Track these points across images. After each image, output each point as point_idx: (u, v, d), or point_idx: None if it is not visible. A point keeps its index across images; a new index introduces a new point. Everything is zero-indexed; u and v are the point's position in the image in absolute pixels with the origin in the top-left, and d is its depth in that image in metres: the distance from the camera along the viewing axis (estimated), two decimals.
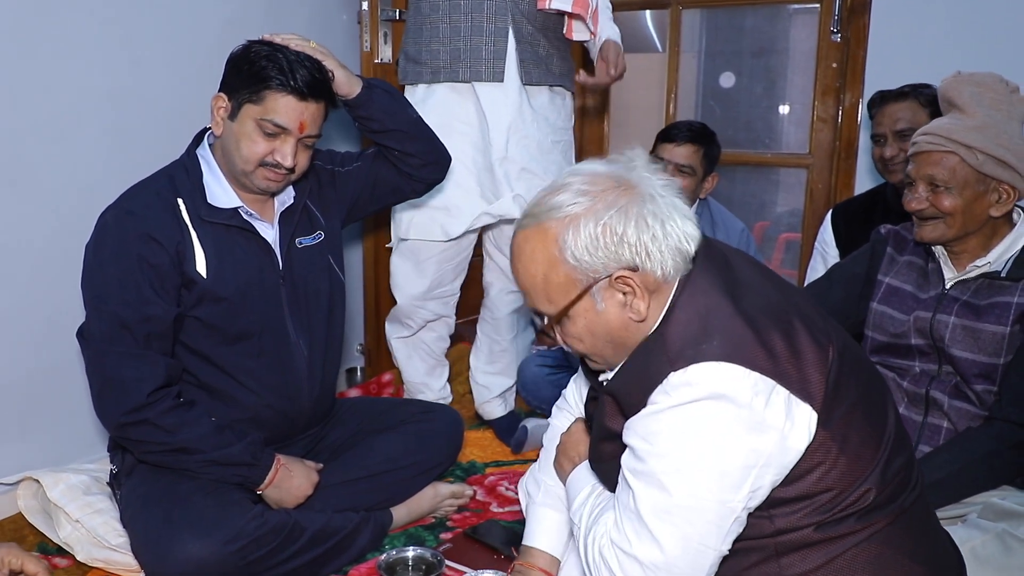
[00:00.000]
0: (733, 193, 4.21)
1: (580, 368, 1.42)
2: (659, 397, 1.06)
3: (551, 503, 1.47)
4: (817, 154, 2.86)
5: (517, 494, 2.11)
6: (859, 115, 2.67)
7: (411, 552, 1.76)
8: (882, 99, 2.20)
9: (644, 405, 1.09)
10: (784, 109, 4.39)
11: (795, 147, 4.13)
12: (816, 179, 2.88)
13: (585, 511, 1.23)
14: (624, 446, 1.13)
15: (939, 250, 1.71)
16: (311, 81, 1.64)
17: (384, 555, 1.74)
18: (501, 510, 2.04)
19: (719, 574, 1.11)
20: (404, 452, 1.94)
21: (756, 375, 1.03)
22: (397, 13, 2.62)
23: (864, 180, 2.67)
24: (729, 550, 1.09)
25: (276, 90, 1.62)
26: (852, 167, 2.73)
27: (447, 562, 1.75)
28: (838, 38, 2.74)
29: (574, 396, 1.51)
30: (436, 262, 2.41)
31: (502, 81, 2.23)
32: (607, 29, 2.42)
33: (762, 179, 4.47)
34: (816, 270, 2.36)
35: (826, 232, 2.37)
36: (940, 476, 1.55)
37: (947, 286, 1.68)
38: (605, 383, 1.23)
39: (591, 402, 1.34)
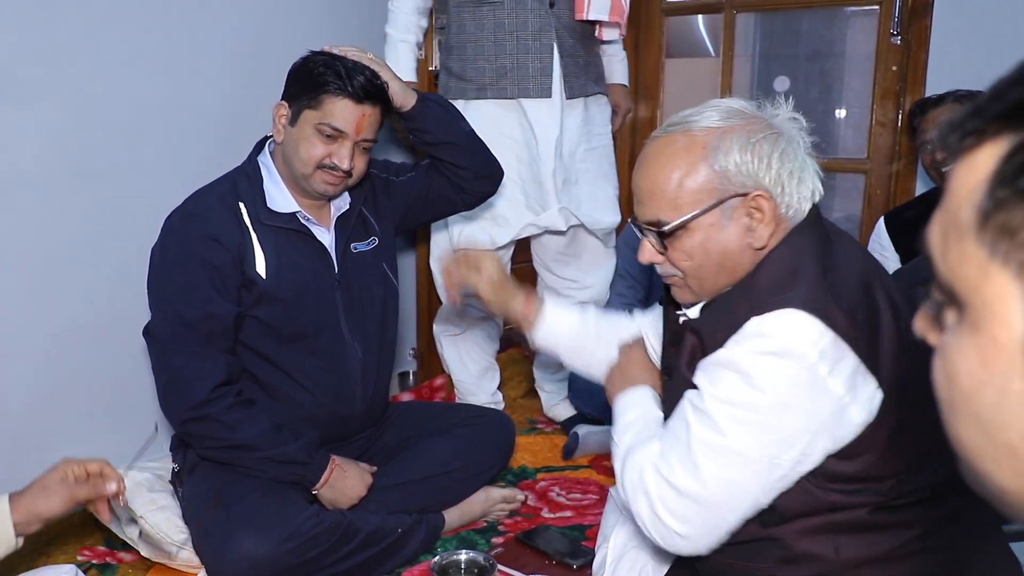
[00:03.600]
0: None
1: (662, 309, 1.42)
2: (732, 343, 1.08)
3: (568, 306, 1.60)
4: (876, 159, 2.80)
5: (569, 500, 2.12)
6: None
7: (464, 555, 1.76)
8: (922, 108, 2.20)
9: (722, 347, 1.10)
10: (841, 113, 4.31)
11: (852, 152, 4.05)
12: (875, 184, 2.82)
13: (630, 433, 1.25)
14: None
15: None
16: (367, 86, 1.69)
17: (437, 558, 1.75)
18: (552, 516, 2.04)
19: (774, 534, 1.12)
20: (456, 455, 1.95)
21: (830, 335, 1.03)
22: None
23: (924, 185, 2.61)
24: (782, 513, 1.10)
25: (334, 94, 1.67)
26: (912, 172, 2.67)
27: (499, 566, 1.76)
28: (898, 40, 2.69)
29: (647, 323, 1.52)
30: None
31: (550, 96, 2.27)
32: (618, 62, 2.56)
33: None
34: None
35: (883, 237, 2.32)
36: None
37: None
38: (687, 321, 1.23)
39: (670, 347, 1.33)
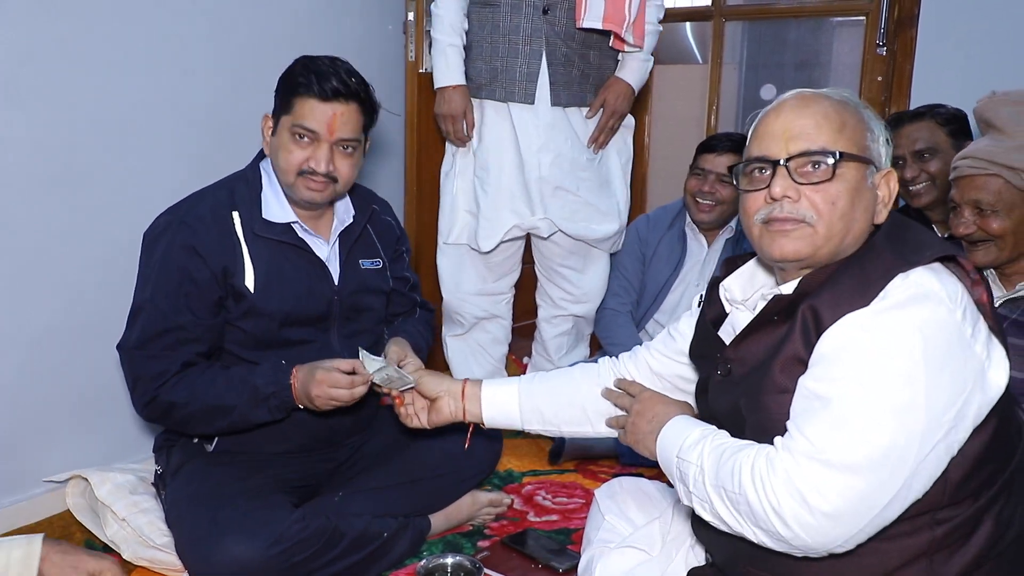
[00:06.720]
0: None
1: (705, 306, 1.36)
2: (877, 303, 1.03)
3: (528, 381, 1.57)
4: None
5: (555, 503, 2.12)
6: None
7: (450, 559, 1.76)
8: (898, 121, 2.14)
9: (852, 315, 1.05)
10: None
11: None
12: None
13: (705, 450, 1.12)
14: (794, 371, 1.09)
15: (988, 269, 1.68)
16: (335, 84, 1.66)
17: (423, 561, 1.74)
18: (538, 519, 2.04)
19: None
20: (443, 459, 1.95)
21: (967, 298, 1.05)
22: None
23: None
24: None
25: (302, 95, 1.66)
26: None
27: (485, 570, 1.76)
28: (884, 51, 2.72)
29: (641, 360, 1.50)
30: (473, 265, 2.45)
31: (533, 103, 2.28)
32: (631, 60, 2.44)
33: None
34: None
35: None
36: None
37: (995, 305, 1.65)
38: (781, 300, 1.16)
39: (742, 340, 1.23)
